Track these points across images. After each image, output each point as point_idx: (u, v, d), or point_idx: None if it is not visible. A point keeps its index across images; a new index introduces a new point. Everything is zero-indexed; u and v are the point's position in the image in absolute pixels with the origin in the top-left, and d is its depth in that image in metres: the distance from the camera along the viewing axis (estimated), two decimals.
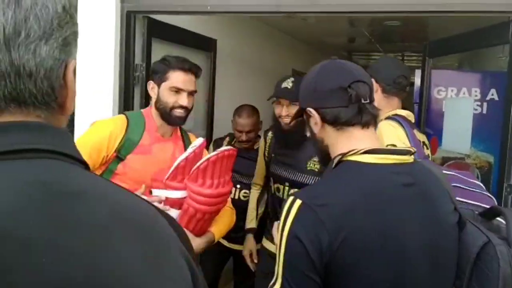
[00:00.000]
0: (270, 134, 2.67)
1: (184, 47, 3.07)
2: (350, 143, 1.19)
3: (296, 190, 2.10)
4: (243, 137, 3.00)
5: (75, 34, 0.66)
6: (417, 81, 3.03)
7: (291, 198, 1.12)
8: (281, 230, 1.10)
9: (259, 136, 2.99)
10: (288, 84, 2.37)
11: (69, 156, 0.62)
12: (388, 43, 6.10)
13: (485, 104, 2.80)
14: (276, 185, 2.51)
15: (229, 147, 1.88)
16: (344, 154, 1.17)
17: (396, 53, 7.02)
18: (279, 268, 1.10)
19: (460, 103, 2.78)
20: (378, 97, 2.06)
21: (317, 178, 2.28)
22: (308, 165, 2.37)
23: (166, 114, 1.93)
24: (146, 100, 2.68)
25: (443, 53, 2.90)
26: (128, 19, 2.53)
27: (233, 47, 3.91)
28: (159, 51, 2.81)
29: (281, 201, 2.28)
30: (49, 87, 0.61)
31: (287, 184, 2.44)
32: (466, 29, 2.57)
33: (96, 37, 2.53)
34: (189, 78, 1.94)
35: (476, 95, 2.83)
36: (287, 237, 1.08)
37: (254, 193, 2.88)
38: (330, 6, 2.23)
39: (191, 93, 1.95)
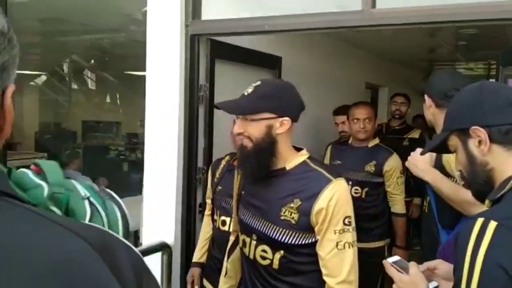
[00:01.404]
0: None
1: (248, 66, 3.16)
2: None
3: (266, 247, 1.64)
4: None
5: (14, 57, 0.65)
6: None
7: (480, 219, 1.02)
8: (470, 257, 0.99)
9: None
10: (247, 90, 1.66)
11: None
12: (469, 52, 5.78)
13: None
14: (242, 237, 1.79)
15: None
16: None
17: (477, 62, 6.63)
18: None
19: None
20: (433, 112, 1.98)
21: (293, 233, 1.60)
22: (282, 213, 1.62)
23: None
24: (210, 118, 2.79)
25: None
26: (192, 42, 2.66)
27: (300, 63, 3.93)
28: (224, 71, 2.93)
29: (248, 259, 1.73)
30: None
31: (254, 237, 1.71)
32: None
33: (163, 59, 2.69)
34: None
35: None
36: (483, 265, 0.97)
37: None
38: (381, 18, 2.19)
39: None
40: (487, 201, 1.14)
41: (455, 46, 5.41)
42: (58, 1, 3.90)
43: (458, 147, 1.21)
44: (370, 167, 3.00)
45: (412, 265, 1.31)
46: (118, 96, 8.75)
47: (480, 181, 1.18)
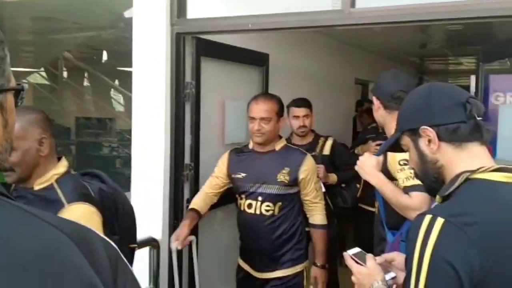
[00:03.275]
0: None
1: (235, 64, 3.20)
2: (471, 160, 1.15)
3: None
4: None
5: None
6: (472, 86, 2.90)
7: (428, 216, 1.05)
8: (419, 252, 1.03)
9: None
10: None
11: None
12: (457, 47, 5.84)
13: None
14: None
15: None
16: (472, 172, 1.12)
17: (465, 57, 6.70)
18: None
19: None
20: (382, 113, 2.04)
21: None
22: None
23: None
24: (197, 115, 2.84)
25: (497, 57, 2.76)
26: (177, 40, 2.70)
27: (288, 60, 3.98)
28: (210, 68, 2.97)
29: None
30: None
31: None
32: None
33: (149, 58, 2.73)
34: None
35: None
36: (430, 261, 1.01)
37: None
38: (361, 18, 2.24)
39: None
40: (437, 197, 1.19)
41: (443, 41, 5.46)
42: (50, 0, 3.93)
43: (410, 146, 1.26)
44: (284, 176, 2.49)
45: (369, 258, 1.37)
46: (111, 92, 8.78)
47: (431, 178, 1.23)
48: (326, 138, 3.42)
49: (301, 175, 2.50)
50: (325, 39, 4.73)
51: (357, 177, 3.08)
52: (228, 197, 2.79)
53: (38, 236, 0.64)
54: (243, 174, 2.58)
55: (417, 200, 1.80)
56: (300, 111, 3.26)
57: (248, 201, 2.55)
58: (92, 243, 0.68)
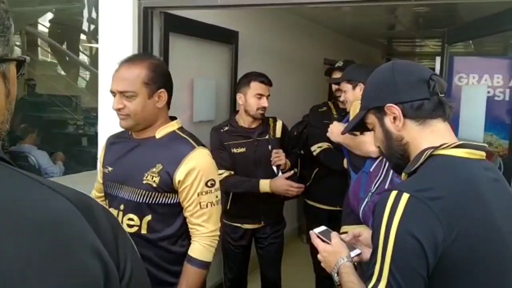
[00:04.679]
0: None
1: (203, 40, 3.16)
2: (434, 136, 1.18)
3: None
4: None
5: None
6: (438, 67, 2.96)
7: (393, 192, 1.08)
8: (385, 227, 1.06)
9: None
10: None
11: None
12: (423, 30, 5.93)
13: (507, 91, 2.72)
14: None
15: None
16: (435, 148, 1.15)
17: (432, 39, 6.81)
18: (383, 267, 1.06)
19: (475, 90, 2.71)
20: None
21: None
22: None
23: None
24: None
25: (461, 39, 2.83)
26: (145, 15, 2.64)
27: (257, 38, 3.96)
28: (179, 44, 2.92)
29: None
30: None
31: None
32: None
33: (115, 33, 2.66)
34: None
35: (498, 82, 2.75)
36: (396, 234, 1.04)
37: None
38: None
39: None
40: (403, 174, 1.22)
41: (410, 23, 5.53)
42: None
43: (375, 125, 1.28)
44: (152, 177, 1.76)
45: (334, 236, 1.41)
46: (76, 69, 8.54)
47: (396, 155, 1.25)
48: (275, 119, 3.04)
49: (178, 177, 1.73)
50: (295, 18, 4.72)
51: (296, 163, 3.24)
52: None
53: (45, 202, 0.66)
54: (110, 169, 1.88)
55: (369, 135, 1.97)
56: (266, 90, 2.86)
57: (112, 210, 1.81)
58: (95, 211, 0.70)
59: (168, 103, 1.87)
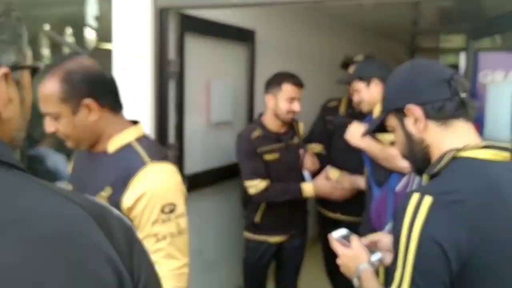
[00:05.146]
0: None
1: (219, 40, 3.13)
2: (457, 138, 1.15)
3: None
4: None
5: (3, 42, 0.70)
6: (462, 63, 2.86)
7: (415, 195, 1.05)
8: (407, 231, 1.03)
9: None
10: None
11: None
12: (448, 24, 5.78)
13: None
14: None
15: None
16: (458, 150, 1.11)
17: (458, 34, 6.64)
18: (405, 273, 1.03)
19: (501, 88, 2.60)
20: (380, 89, 2.19)
21: None
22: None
23: None
24: (181, 94, 2.78)
25: (487, 34, 2.72)
26: (161, 16, 2.62)
27: (275, 37, 3.90)
28: (194, 45, 2.90)
29: None
30: None
31: None
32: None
33: (132, 34, 2.65)
34: None
35: None
36: (419, 239, 1.01)
37: None
38: None
39: None
40: (424, 176, 1.18)
41: (434, 18, 5.39)
42: None
43: (396, 127, 1.24)
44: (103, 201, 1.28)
45: (354, 239, 1.36)
46: None
47: (418, 158, 1.22)
48: (297, 121, 2.88)
49: (125, 203, 1.40)
50: (313, 14, 4.64)
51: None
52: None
53: (59, 210, 0.66)
54: (70, 185, 1.65)
55: None
56: (299, 92, 2.66)
57: None
58: (109, 219, 0.70)
59: (113, 109, 1.48)
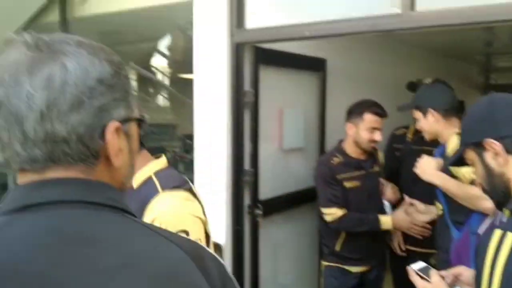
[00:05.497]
0: None
1: (292, 70, 3.24)
2: None
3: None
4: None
5: (116, 100, 0.74)
6: None
7: (497, 231, 1.05)
8: (489, 268, 1.03)
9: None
10: None
11: (97, 204, 0.71)
12: None
13: None
14: None
15: None
16: None
17: None
18: None
19: None
20: (441, 124, 2.24)
21: None
22: None
23: None
24: (255, 123, 2.90)
25: None
26: (237, 50, 2.78)
27: (345, 65, 3.95)
28: (268, 76, 3.02)
29: None
30: (84, 147, 0.71)
31: None
32: None
33: (210, 68, 2.83)
34: None
35: None
36: (502, 276, 1.00)
37: None
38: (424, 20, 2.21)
39: None
40: (506, 211, 1.16)
41: (511, 39, 5.19)
42: (115, 15, 4.17)
43: (475, 160, 1.24)
44: None
45: (433, 274, 1.36)
46: (173, 99, 9.05)
47: (500, 192, 1.21)
48: (377, 149, 2.92)
49: None
50: (384, 40, 4.65)
51: None
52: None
53: (161, 252, 0.70)
54: None
55: None
56: (381, 122, 2.64)
57: None
58: (205, 259, 0.73)
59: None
